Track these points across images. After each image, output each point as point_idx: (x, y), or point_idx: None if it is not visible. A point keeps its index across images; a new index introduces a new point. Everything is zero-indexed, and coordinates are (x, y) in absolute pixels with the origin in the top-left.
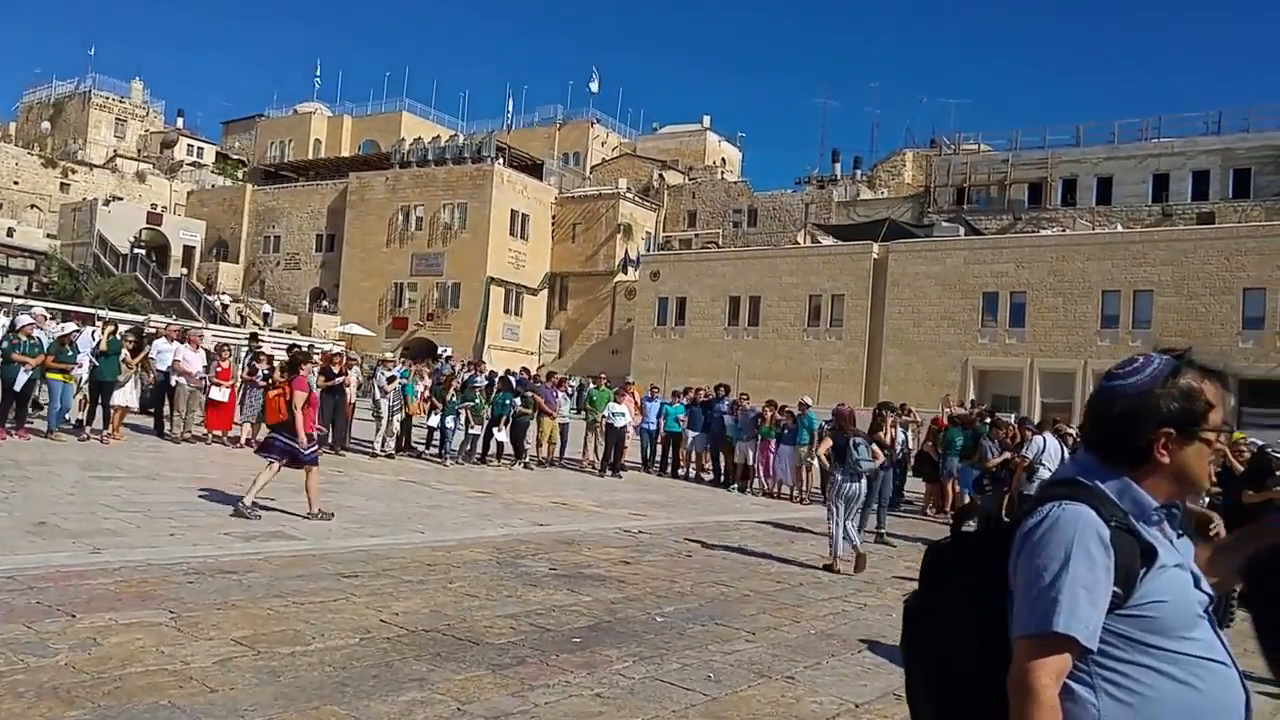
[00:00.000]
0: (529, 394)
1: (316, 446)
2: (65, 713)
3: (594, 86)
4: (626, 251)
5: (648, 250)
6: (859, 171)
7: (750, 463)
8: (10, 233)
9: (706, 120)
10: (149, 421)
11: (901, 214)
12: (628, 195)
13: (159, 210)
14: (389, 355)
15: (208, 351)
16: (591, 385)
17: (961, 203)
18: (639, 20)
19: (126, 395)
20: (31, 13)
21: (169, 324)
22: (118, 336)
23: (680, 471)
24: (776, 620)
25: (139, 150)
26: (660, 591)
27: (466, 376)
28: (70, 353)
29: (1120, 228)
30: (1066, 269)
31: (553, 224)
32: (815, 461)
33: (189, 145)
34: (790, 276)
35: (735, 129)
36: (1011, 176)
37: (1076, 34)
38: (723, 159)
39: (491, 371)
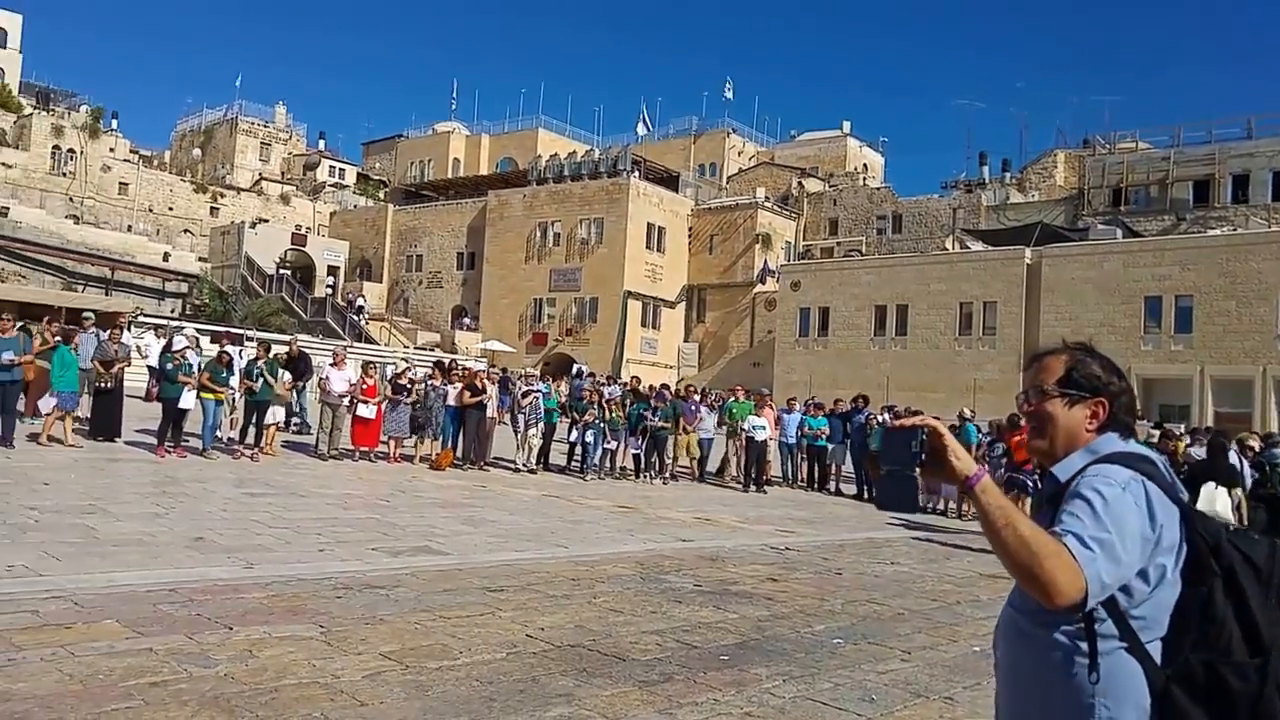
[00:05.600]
0: (668, 408)
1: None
2: None
3: (728, 95)
4: (766, 261)
5: (787, 260)
6: (1008, 174)
7: None
8: (166, 257)
9: (846, 126)
10: (300, 439)
11: (1054, 217)
12: (766, 204)
13: (303, 231)
14: (531, 370)
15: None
16: (731, 398)
17: (1118, 204)
18: (774, 28)
19: (280, 413)
20: (183, 45)
21: (337, 348)
22: (274, 359)
23: (829, 487)
24: (933, 639)
25: (283, 173)
26: (810, 610)
27: (609, 391)
28: (225, 374)
29: None
30: (1239, 270)
31: (689, 236)
32: None
33: (331, 167)
34: (939, 284)
35: (876, 134)
36: (1174, 174)
37: (1242, 21)
38: (864, 164)
39: (622, 383)
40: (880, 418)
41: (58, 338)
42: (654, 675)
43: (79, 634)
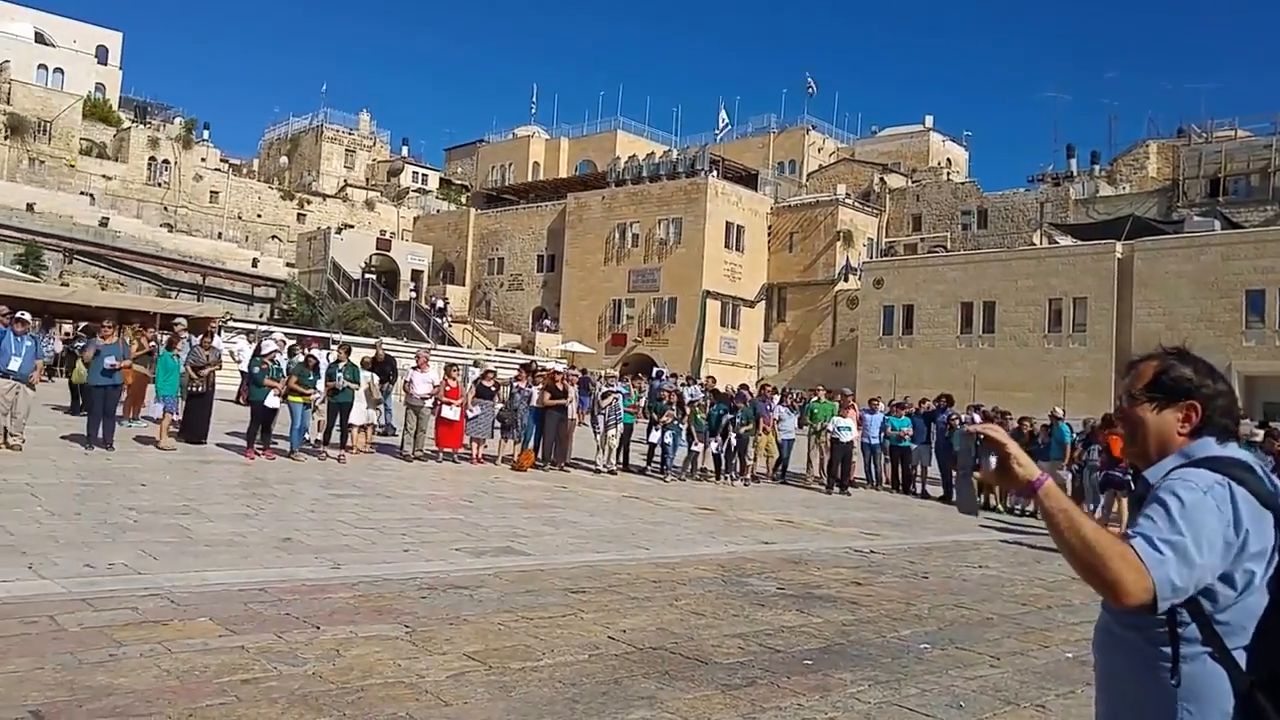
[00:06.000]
0: (748, 408)
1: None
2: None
3: (811, 90)
4: (847, 259)
5: (869, 257)
6: (1097, 167)
7: None
8: (255, 263)
9: (929, 120)
10: (385, 440)
11: (1146, 210)
12: (846, 201)
13: (387, 236)
14: (611, 372)
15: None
16: (812, 398)
17: (1215, 194)
18: (854, 24)
19: (367, 413)
20: (270, 53)
21: (420, 350)
22: (355, 363)
23: (914, 488)
24: (1024, 645)
25: (367, 179)
26: (896, 614)
27: (690, 393)
28: (312, 377)
29: None
30: None
31: (769, 234)
32: (1068, 476)
33: (414, 172)
34: (1027, 279)
35: (960, 128)
36: (1276, 162)
37: None
38: (948, 159)
39: (700, 383)
40: (963, 417)
41: (153, 343)
42: (737, 679)
43: (175, 631)
